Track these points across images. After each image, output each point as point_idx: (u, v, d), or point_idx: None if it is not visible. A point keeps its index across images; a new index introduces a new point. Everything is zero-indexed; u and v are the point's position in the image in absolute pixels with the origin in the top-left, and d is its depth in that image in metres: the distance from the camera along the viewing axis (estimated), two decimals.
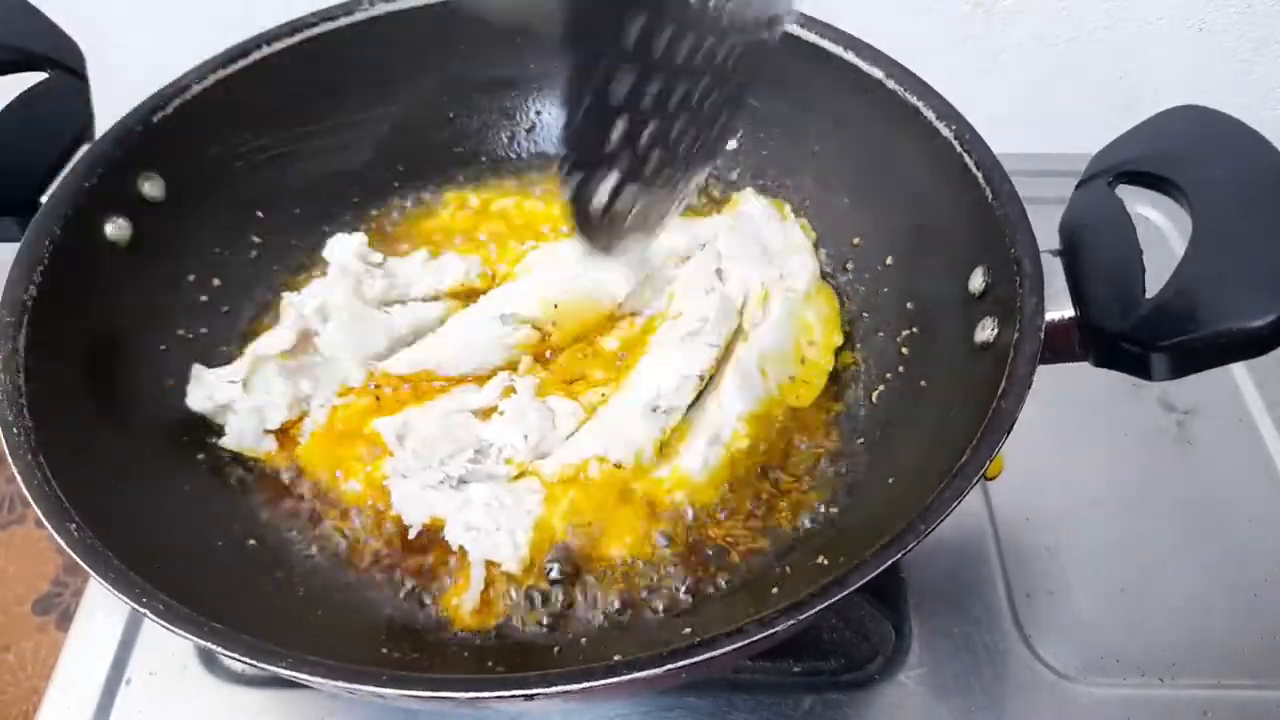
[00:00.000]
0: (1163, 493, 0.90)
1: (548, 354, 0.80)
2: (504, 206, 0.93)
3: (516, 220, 0.91)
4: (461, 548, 0.69)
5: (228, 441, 0.74)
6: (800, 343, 0.80)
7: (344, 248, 0.82)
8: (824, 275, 0.84)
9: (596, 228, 0.50)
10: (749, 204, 0.88)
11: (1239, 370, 0.99)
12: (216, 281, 0.80)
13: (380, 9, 0.84)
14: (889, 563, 0.50)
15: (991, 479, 0.89)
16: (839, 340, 0.81)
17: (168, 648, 0.80)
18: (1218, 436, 0.94)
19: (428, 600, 0.68)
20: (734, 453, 0.74)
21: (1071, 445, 0.93)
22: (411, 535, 0.71)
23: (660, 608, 0.67)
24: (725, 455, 0.74)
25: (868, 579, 0.50)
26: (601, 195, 0.48)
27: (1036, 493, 0.90)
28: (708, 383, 0.76)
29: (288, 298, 0.78)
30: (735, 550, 0.71)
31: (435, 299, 0.83)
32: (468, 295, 0.84)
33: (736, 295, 0.81)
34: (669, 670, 0.47)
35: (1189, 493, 0.90)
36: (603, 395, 0.77)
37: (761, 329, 0.79)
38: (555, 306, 0.78)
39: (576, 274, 0.81)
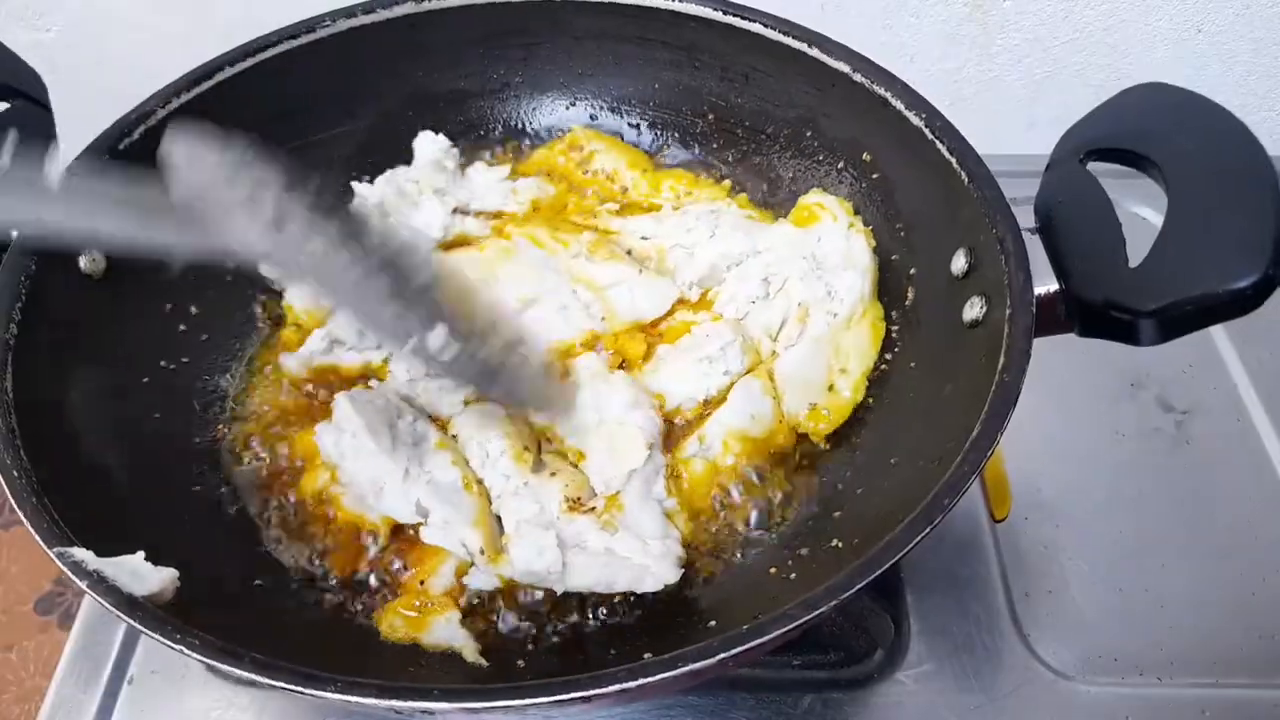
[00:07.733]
0: (1161, 492, 0.90)
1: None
2: None
3: None
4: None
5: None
6: (832, 370, 0.76)
7: (431, 145, 0.89)
8: None
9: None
10: (820, 208, 0.83)
11: (1237, 369, 0.99)
12: (194, 309, 0.78)
13: (342, 25, 0.83)
14: (921, 537, 0.51)
15: (1000, 521, 0.88)
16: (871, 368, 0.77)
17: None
18: (1216, 436, 0.94)
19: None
20: (717, 465, 0.72)
21: (1070, 445, 0.93)
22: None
23: (672, 602, 0.68)
24: (708, 466, 0.72)
25: (901, 555, 0.51)
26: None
27: (1035, 492, 0.90)
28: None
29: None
30: (736, 544, 0.71)
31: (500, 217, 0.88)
32: None
33: (777, 312, 0.79)
34: (720, 660, 0.48)
35: (1187, 492, 0.90)
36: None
37: (794, 350, 0.77)
38: (603, 319, 0.79)
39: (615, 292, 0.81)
